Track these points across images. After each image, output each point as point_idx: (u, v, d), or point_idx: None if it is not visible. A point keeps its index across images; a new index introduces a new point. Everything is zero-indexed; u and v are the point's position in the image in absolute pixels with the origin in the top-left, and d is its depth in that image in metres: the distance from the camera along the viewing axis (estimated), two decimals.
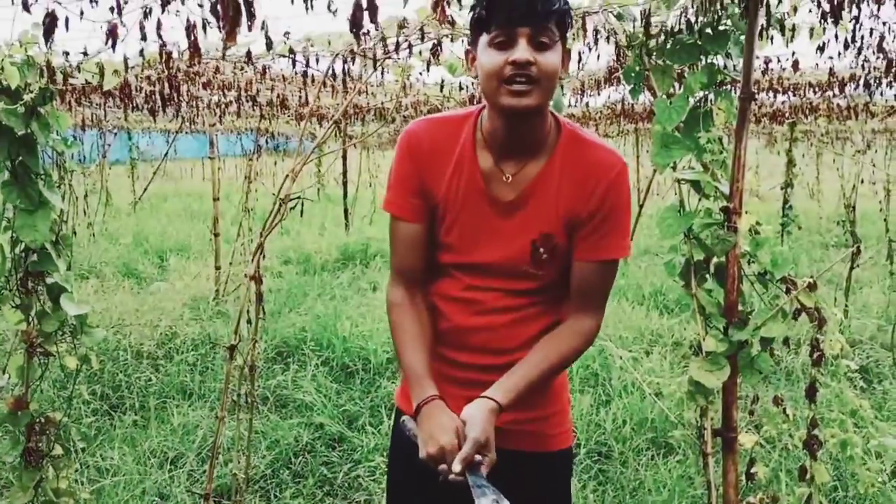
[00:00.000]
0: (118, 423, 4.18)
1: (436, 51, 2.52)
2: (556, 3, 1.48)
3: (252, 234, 7.27)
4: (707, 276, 2.48)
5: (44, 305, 2.50)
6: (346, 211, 11.32)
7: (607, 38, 2.81)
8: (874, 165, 7.02)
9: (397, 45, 2.08)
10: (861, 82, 4.04)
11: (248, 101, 4.90)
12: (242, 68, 2.61)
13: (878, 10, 2.01)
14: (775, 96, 5.29)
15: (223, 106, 5.54)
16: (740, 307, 2.41)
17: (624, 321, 6.01)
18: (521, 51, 1.45)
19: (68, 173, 6.42)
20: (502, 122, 1.56)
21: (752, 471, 2.55)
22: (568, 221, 1.62)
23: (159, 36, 1.52)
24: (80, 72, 2.31)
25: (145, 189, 13.65)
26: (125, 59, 2.24)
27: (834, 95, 5.72)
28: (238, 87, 3.72)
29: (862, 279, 7.82)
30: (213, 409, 4.39)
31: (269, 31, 1.75)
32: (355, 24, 1.40)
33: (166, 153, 14.22)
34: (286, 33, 2.23)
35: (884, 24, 2.29)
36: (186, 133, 11.72)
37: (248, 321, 2.42)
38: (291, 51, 2.30)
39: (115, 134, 13.74)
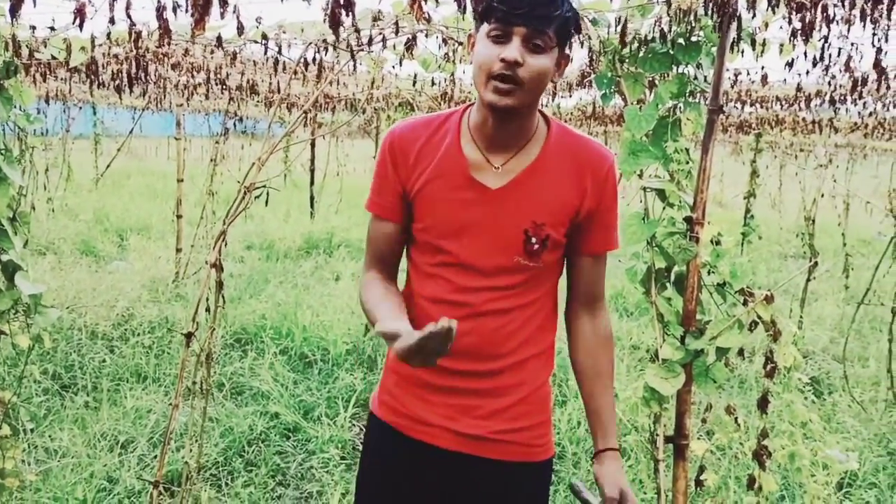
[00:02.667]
0: (69, 404, 4.11)
1: (410, 45, 2.50)
2: (559, 10, 1.47)
3: (215, 218, 7.20)
4: (667, 284, 2.51)
5: None
6: (312, 199, 11.25)
7: (581, 42, 2.82)
8: (835, 180, 7.14)
9: (370, 39, 2.06)
10: (827, 98, 4.11)
11: (217, 84, 4.84)
12: (213, 51, 2.58)
13: (848, 30, 2.04)
14: (743, 107, 5.36)
15: (192, 87, 5.46)
16: (698, 316, 2.44)
17: None
18: (512, 50, 1.45)
19: (29, 148, 6.29)
20: (489, 115, 1.57)
21: (702, 478, 2.57)
22: (568, 214, 1.63)
23: (128, 16, 1.49)
24: (46, 47, 2.26)
25: (108, 165, 13.41)
26: (92, 38, 2.19)
27: (800, 109, 5.81)
28: (207, 69, 3.67)
29: (818, 291, 7.96)
30: (168, 394, 4.35)
31: (241, 15, 1.72)
32: (334, 22, 1.38)
33: (132, 130, 13.97)
34: (258, 19, 2.20)
35: (852, 44, 2.32)
36: (152, 111, 11.54)
37: (207, 309, 2.39)
38: (264, 36, 2.27)
39: (80, 108, 13.48)
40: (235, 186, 2.67)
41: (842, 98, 3.99)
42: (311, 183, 11.34)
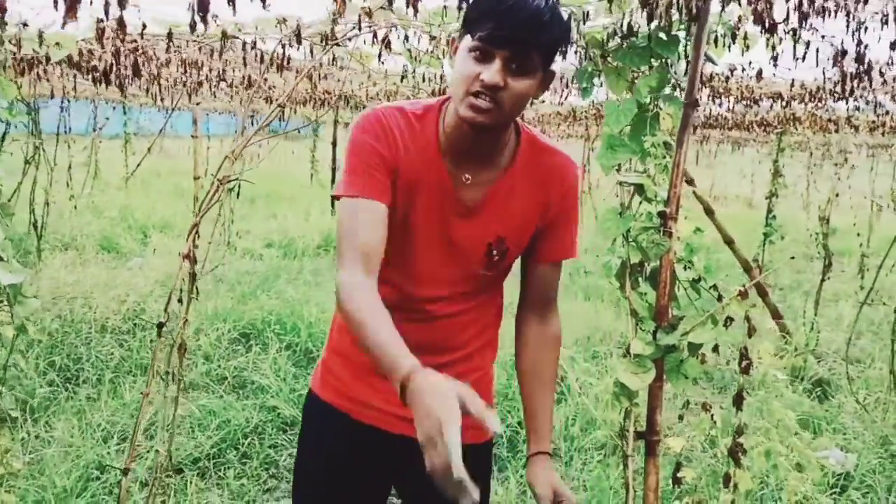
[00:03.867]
0: (72, 396, 4.19)
1: (387, 41, 2.52)
2: (546, 35, 1.41)
3: (233, 216, 7.28)
4: (641, 279, 2.50)
5: None
6: (332, 197, 11.33)
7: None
8: (839, 178, 7.04)
9: (326, 36, 2.08)
10: (825, 94, 4.06)
11: (218, 82, 4.89)
12: (201, 49, 2.62)
13: (805, 22, 2.02)
14: (749, 106, 5.30)
15: (191, 85, 5.52)
16: (675, 312, 2.42)
17: (589, 322, 6.03)
18: (493, 73, 1.40)
19: (41, 145, 6.42)
20: (463, 127, 1.51)
21: (679, 475, 2.56)
22: (530, 230, 1.65)
23: (74, 16, 1.51)
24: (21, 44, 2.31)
25: (138, 164, 13.63)
26: (40, 33, 2.23)
27: (816, 108, 5.73)
28: (198, 66, 3.71)
29: (839, 292, 7.85)
30: (169, 387, 4.41)
31: (195, 13, 1.74)
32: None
33: (161, 129, 14.18)
34: (215, 16, 2.21)
35: (822, 37, 2.30)
36: (164, 110, 11.69)
37: (179, 300, 2.43)
38: (224, 35, 2.29)
39: (115, 108, 13.69)
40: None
41: (839, 94, 3.93)
42: (332, 181, 11.44)
